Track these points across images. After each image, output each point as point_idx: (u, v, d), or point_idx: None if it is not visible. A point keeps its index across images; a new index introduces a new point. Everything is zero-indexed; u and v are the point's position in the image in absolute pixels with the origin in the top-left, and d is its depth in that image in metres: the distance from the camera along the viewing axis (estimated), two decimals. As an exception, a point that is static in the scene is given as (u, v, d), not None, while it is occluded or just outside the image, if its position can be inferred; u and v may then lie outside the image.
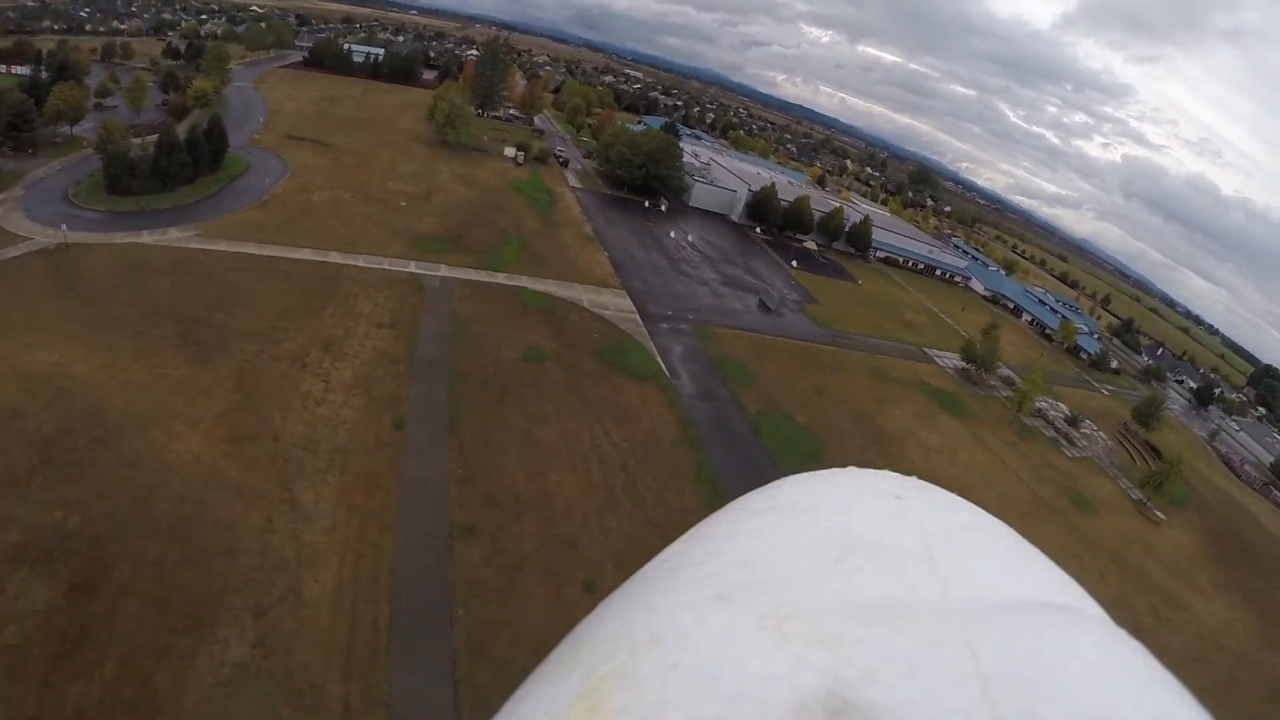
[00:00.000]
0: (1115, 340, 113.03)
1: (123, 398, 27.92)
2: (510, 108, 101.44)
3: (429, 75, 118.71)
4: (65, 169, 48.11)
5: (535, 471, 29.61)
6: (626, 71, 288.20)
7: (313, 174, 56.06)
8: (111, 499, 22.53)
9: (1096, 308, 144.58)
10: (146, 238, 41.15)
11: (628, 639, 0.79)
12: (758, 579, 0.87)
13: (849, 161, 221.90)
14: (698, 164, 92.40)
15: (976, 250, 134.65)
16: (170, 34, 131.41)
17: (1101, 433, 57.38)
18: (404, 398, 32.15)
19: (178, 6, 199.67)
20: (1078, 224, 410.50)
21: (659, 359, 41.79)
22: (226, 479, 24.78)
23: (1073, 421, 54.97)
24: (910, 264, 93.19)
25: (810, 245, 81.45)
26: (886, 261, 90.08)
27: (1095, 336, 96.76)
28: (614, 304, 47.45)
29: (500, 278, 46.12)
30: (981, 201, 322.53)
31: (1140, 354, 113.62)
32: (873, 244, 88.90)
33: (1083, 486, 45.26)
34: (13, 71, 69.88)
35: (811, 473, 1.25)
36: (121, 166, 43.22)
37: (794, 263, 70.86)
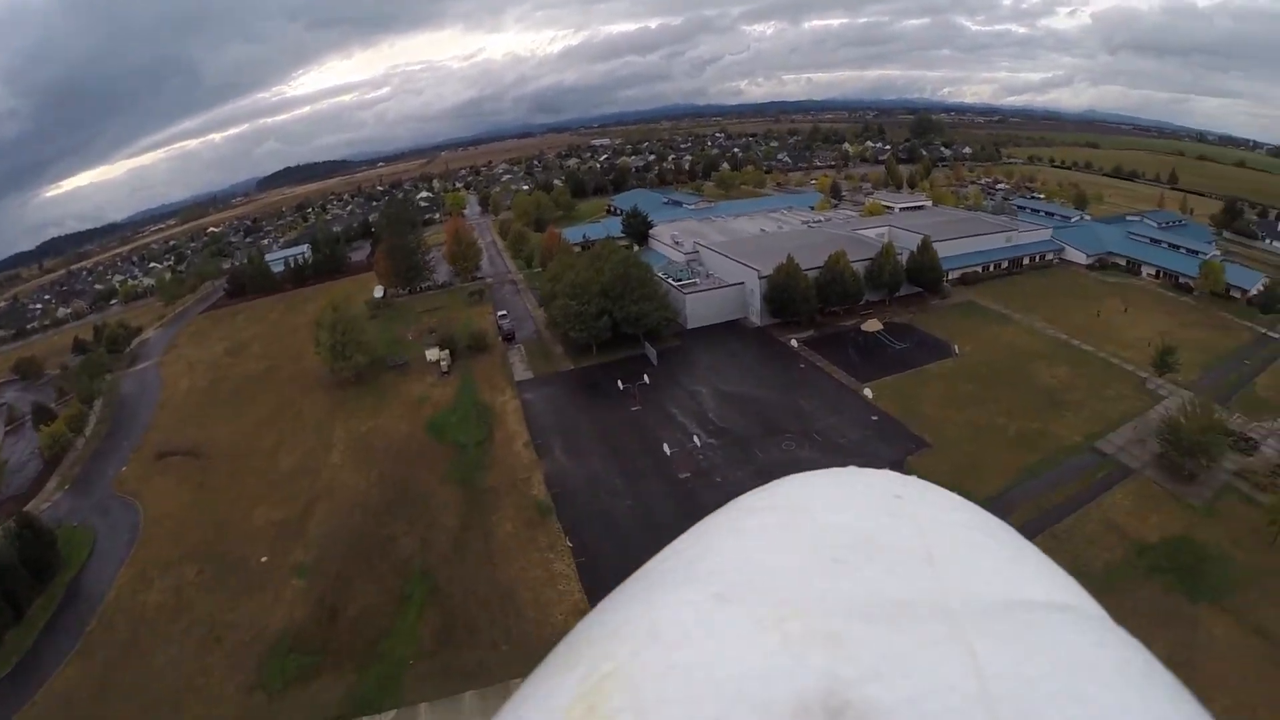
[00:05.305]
0: (1228, 237, 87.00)
1: None
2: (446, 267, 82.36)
3: (361, 254, 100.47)
4: None
5: None
6: (592, 144, 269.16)
7: (166, 533, 39.40)
8: None
9: (1186, 205, 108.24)
10: None
11: (627, 638, 0.77)
12: (757, 578, 0.85)
13: (847, 145, 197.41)
14: (681, 257, 70.17)
15: (1035, 199, 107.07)
16: (112, 304, 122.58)
17: None
18: None
19: (131, 259, 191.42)
20: (1075, 99, 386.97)
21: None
22: None
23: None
24: (990, 267, 67.15)
25: (873, 324, 53.95)
26: (963, 282, 63.90)
27: (1224, 256, 69.91)
28: None
29: (384, 726, 25.81)
30: (980, 120, 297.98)
31: (1264, 237, 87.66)
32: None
33: None
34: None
35: (811, 472, 1.22)
36: None
37: (868, 390, 43.24)
